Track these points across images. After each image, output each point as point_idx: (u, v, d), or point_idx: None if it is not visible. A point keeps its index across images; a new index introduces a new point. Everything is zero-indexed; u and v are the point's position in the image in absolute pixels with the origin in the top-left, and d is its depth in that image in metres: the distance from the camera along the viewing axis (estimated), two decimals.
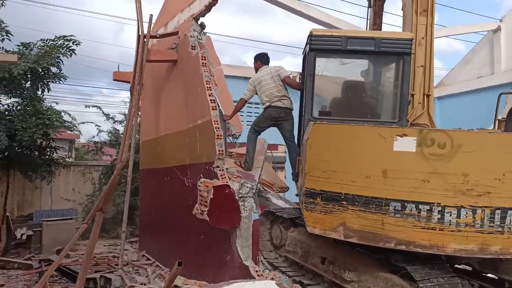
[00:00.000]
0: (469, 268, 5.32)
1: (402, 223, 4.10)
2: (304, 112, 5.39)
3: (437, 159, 4.03)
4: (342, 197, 4.32)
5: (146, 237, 10.30)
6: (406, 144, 4.06)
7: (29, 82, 11.80)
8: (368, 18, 8.18)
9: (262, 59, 6.88)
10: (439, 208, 4.02)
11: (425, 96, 5.91)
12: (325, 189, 4.42)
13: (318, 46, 5.13)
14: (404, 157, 4.09)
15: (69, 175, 14.30)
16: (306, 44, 5.44)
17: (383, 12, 8.39)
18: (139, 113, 10.48)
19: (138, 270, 8.32)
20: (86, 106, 14.57)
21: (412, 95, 5.78)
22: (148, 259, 9.51)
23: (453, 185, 4.05)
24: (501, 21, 14.10)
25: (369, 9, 8.56)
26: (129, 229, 13.30)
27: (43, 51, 11.11)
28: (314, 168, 4.53)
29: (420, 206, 4.05)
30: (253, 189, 6.40)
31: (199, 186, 6.08)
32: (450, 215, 4.05)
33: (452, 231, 4.07)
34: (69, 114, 14.62)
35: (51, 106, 13.30)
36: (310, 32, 5.18)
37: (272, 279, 5.50)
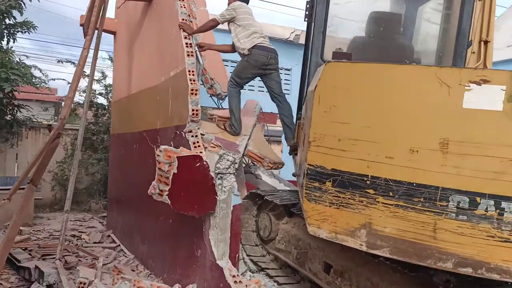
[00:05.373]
0: None
1: (470, 230, 2.41)
2: (311, 55, 3.69)
3: None
4: (368, 182, 2.63)
5: (114, 214, 8.72)
6: (486, 97, 2.35)
7: None
8: None
9: None
10: None
11: (482, 43, 4.23)
12: (340, 168, 2.73)
13: None
14: (482, 120, 2.37)
15: (39, 139, 12.63)
16: None
17: None
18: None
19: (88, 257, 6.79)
20: (59, 61, 12.72)
21: None
22: (113, 241, 7.98)
23: None
24: None
25: None
26: (103, 202, 11.83)
27: None
28: (323, 134, 2.81)
29: (504, 204, 2.35)
30: (236, 163, 4.77)
31: (158, 156, 4.40)
32: None
33: None
34: (40, 70, 12.81)
35: (20, 59, 11.57)
36: None
37: None
